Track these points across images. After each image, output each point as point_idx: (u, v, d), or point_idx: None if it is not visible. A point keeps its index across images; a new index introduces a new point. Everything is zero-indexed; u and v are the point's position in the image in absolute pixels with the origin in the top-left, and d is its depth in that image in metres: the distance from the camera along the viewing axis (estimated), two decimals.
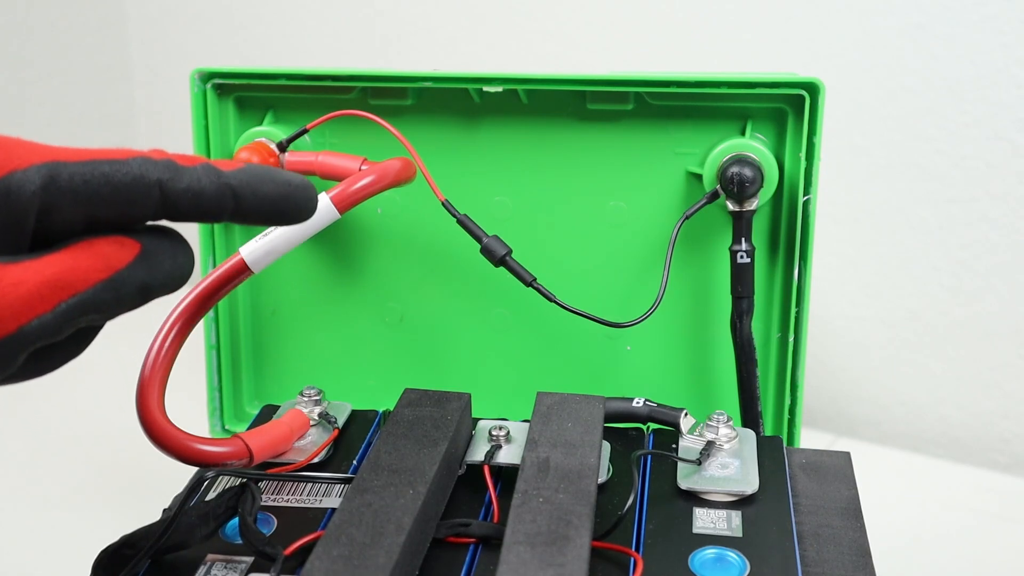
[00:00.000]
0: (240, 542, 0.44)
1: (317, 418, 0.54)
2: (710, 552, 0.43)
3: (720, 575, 0.42)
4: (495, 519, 0.46)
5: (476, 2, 0.96)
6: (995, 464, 0.81)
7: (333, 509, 0.47)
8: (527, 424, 0.51)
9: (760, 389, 0.59)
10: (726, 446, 0.50)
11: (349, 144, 0.63)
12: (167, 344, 0.51)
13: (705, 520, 0.45)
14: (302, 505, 0.47)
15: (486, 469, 0.49)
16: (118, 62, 1.19)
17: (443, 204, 0.57)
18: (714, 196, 0.57)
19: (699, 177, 0.58)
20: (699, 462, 0.49)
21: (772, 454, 0.50)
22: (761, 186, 0.56)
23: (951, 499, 0.72)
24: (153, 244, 0.36)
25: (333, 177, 0.59)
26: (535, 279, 0.57)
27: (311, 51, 1.06)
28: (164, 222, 0.37)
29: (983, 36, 0.76)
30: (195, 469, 0.47)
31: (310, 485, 0.49)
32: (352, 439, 0.54)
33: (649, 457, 0.51)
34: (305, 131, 0.60)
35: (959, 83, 0.77)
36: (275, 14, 1.08)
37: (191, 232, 1.16)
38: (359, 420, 0.55)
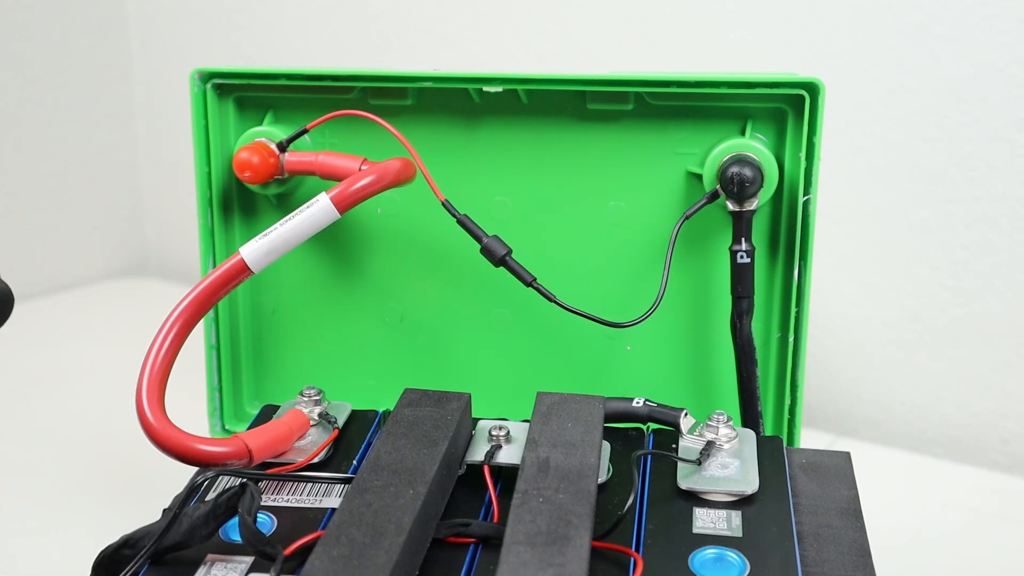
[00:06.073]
0: (240, 542, 0.44)
1: (317, 418, 0.54)
2: (710, 552, 0.43)
3: (720, 575, 0.42)
4: (495, 519, 0.46)
5: (476, 2, 0.96)
6: (995, 464, 0.81)
7: (333, 509, 0.47)
8: (527, 424, 0.51)
9: (760, 389, 0.59)
10: (726, 446, 0.50)
11: (349, 144, 0.63)
12: (167, 344, 0.51)
13: (705, 520, 0.45)
14: (302, 505, 0.47)
15: (486, 469, 0.49)
16: (118, 62, 1.19)
17: (443, 204, 0.57)
18: (714, 196, 0.57)
19: (699, 177, 0.58)
20: (699, 462, 0.49)
21: (772, 454, 0.50)
22: (761, 186, 0.56)
23: (951, 499, 0.72)
24: None
25: (333, 177, 0.59)
26: (535, 279, 0.57)
27: (311, 51, 1.06)
28: None
29: (983, 36, 0.76)
30: (195, 469, 0.47)
31: (310, 485, 0.49)
32: (352, 439, 0.54)
33: (649, 457, 0.51)
34: (305, 131, 0.60)
35: (959, 83, 0.77)
36: (275, 14, 1.08)
37: (191, 231, 1.16)
38: (359, 420, 0.55)
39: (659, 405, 0.53)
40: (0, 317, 0.50)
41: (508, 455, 0.50)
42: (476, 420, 0.54)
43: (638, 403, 0.53)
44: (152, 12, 1.17)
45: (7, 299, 0.49)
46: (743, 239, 0.57)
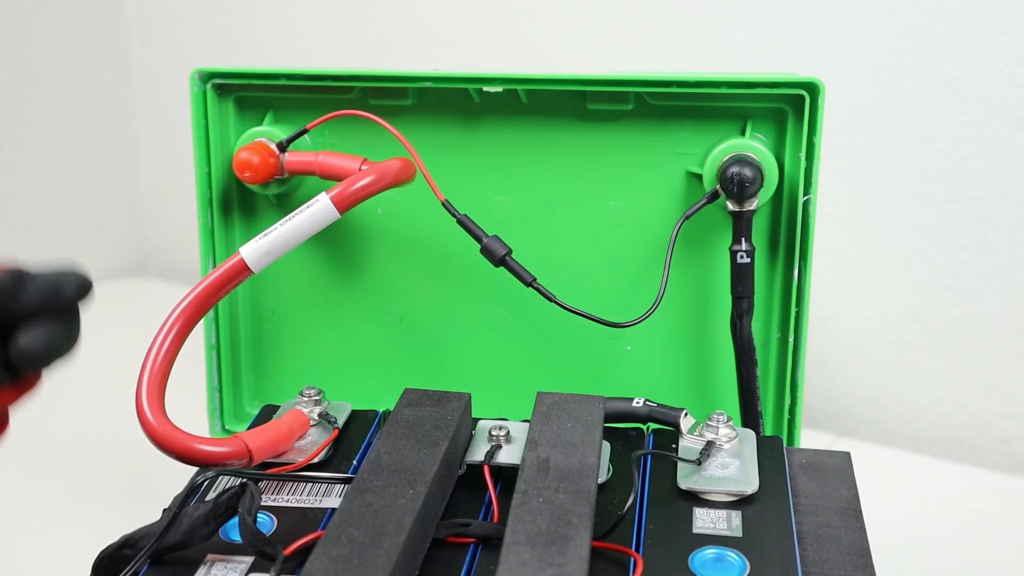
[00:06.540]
0: (240, 542, 0.44)
1: (317, 418, 0.54)
2: (710, 552, 0.43)
3: (720, 575, 0.42)
4: (495, 519, 0.46)
5: (476, 2, 0.96)
6: (995, 464, 0.81)
7: (333, 509, 0.47)
8: (527, 424, 0.51)
9: (760, 389, 0.59)
10: (726, 446, 0.50)
11: (349, 144, 0.63)
12: (167, 344, 0.51)
13: (705, 520, 0.45)
14: (302, 505, 0.47)
15: (486, 469, 0.49)
16: (118, 62, 1.19)
17: (443, 204, 0.57)
18: (714, 196, 0.57)
19: (699, 177, 0.58)
20: (699, 462, 0.49)
21: (772, 454, 0.50)
22: (761, 186, 0.56)
23: (951, 499, 0.72)
24: None
25: (333, 177, 0.59)
26: (535, 279, 0.57)
27: (311, 51, 1.06)
28: None
29: (983, 36, 0.76)
30: (195, 469, 0.47)
31: (310, 485, 0.49)
32: (352, 439, 0.54)
33: (649, 457, 0.51)
34: (305, 131, 0.60)
35: (959, 83, 0.77)
36: (275, 14, 1.08)
37: (191, 231, 1.16)
38: (359, 420, 0.55)
39: (659, 405, 0.53)
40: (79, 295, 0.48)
41: (508, 455, 0.50)
42: (476, 420, 0.54)
43: (638, 403, 0.53)
44: (152, 12, 1.17)
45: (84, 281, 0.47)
46: (743, 239, 0.57)
